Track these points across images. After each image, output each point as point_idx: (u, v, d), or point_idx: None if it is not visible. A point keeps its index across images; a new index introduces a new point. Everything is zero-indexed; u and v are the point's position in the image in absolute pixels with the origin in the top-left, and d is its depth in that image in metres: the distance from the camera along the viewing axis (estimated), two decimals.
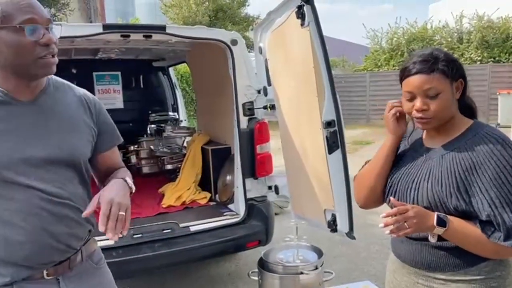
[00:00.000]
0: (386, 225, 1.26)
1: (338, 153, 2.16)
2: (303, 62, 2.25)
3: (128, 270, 2.70)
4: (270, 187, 3.28)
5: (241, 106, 3.16)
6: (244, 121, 3.19)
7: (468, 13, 15.81)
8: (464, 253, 1.30)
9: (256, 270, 1.99)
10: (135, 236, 2.87)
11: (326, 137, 2.16)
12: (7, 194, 1.19)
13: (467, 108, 1.41)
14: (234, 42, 3.12)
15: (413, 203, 1.34)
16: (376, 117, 15.78)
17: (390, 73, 15.38)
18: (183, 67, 10.55)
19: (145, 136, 5.27)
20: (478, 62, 14.95)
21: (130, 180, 1.35)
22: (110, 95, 5.35)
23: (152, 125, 5.33)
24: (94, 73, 5.19)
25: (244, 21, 17.25)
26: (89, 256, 1.40)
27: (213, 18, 16.37)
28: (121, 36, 2.99)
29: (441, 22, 16.52)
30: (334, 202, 2.22)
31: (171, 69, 5.89)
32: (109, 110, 1.52)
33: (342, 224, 2.22)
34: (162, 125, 5.24)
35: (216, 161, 3.89)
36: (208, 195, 3.92)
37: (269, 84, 3.00)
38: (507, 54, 14.95)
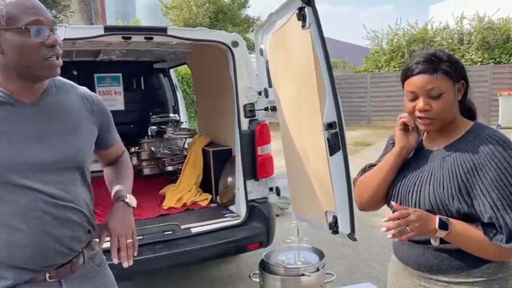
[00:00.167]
0: (388, 229, 1.26)
1: (339, 154, 2.16)
2: (304, 64, 2.25)
3: (129, 272, 2.68)
4: (271, 189, 3.27)
5: (242, 107, 3.16)
6: (245, 123, 3.19)
7: (469, 14, 15.82)
8: (467, 255, 1.30)
9: (258, 271, 1.99)
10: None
11: (327, 138, 2.16)
12: (10, 197, 1.19)
13: (467, 110, 1.41)
14: (235, 44, 3.12)
15: (415, 206, 1.34)
16: (376, 118, 15.79)
17: (390, 74, 15.39)
18: (184, 69, 10.56)
19: (146, 137, 5.28)
20: (479, 63, 14.96)
21: (130, 197, 1.46)
22: (111, 96, 5.36)
23: (153, 127, 5.34)
24: (95, 75, 5.20)
25: (244, 23, 17.27)
26: (90, 258, 1.40)
27: (214, 19, 16.39)
28: (122, 38, 2.99)
29: (441, 23, 16.53)
30: (336, 203, 2.22)
31: (172, 71, 5.90)
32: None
33: (344, 226, 2.22)
34: (163, 126, 5.24)
35: (217, 162, 3.89)
36: (209, 196, 3.92)
37: (270, 85, 3.00)
38: (507, 55, 14.96)
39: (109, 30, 2.82)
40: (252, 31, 15.93)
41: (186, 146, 4.96)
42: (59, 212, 1.25)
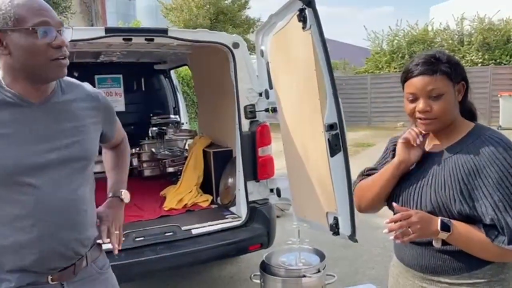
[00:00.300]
0: (390, 231, 1.27)
1: (340, 156, 2.16)
2: (305, 65, 2.25)
3: (130, 273, 2.70)
4: (271, 190, 3.27)
5: (243, 108, 3.16)
6: (245, 124, 3.19)
7: (469, 15, 15.82)
8: (468, 256, 1.30)
9: (258, 273, 1.99)
10: (137, 239, 2.86)
11: (328, 140, 2.16)
12: (18, 198, 1.19)
13: (468, 111, 1.41)
14: (236, 45, 3.13)
15: (417, 208, 1.34)
16: (377, 119, 15.79)
17: (391, 75, 15.39)
18: (184, 70, 10.57)
19: (146, 139, 5.28)
20: (479, 64, 14.96)
21: (125, 193, 1.56)
22: (112, 98, 5.36)
23: (154, 128, 5.34)
24: (96, 76, 5.21)
25: (244, 24, 17.27)
26: (93, 261, 1.40)
27: (214, 21, 16.40)
28: (123, 39, 2.99)
29: (442, 24, 16.53)
30: (336, 205, 2.22)
31: (172, 72, 5.91)
32: None
33: (345, 227, 2.22)
34: (164, 128, 5.24)
35: (217, 163, 3.89)
36: (210, 198, 3.92)
37: (271, 87, 3.01)
38: (508, 56, 14.96)
39: (110, 31, 2.82)
40: (252, 32, 15.93)
41: (186, 147, 4.96)
42: (67, 213, 1.26)
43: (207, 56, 3.85)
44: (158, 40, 3.10)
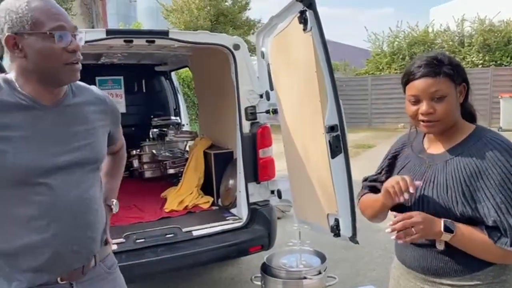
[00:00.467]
0: (393, 230, 1.26)
1: (341, 157, 2.16)
2: (306, 67, 2.26)
3: (131, 275, 2.67)
4: (272, 192, 3.27)
5: (244, 110, 3.16)
6: (246, 126, 3.19)
7: (470, 16, 15.83)
8: (470, 258, 1.30)
9: (259, 275, 1.98)
10: (138, 241, 2.87)
11: (329, 141, 2.16)
12: (33, 199, 1.20)
13: (468, 113, 1.41)
14: (237, 47, 3.13)
15: (418, 210, 1.34)
16: (378, 121, 15.80)
17: (391, 77, 15.40)
18: (185, 71, 10.58)
19: (147, 140, 5.29)
20: (480, 66, 14.97)
21: (116, 203, 1.58)
22: (113, 99, 5.35)
23: (155, 130, 5.34)
24: (97, 78, 5.21)
25: (245, 25, 17.29)
26: (102, 260, 1.42)
27: (215, 22, 16.42)
28: (124, 41, 3.00)
29: (442, 26, 16.54)
30: (337, 206, 2.22)
31: (173, 74, 5.91)
32: None
33: (345, 229, 2.22)
34: (164, 129, 5.25)
35: (218, 165, 3.89)
36: (211, 199, 3.92)
37: (272, 88, 3.01)
38: (508, 58, 14.97)
39: (111, 33, 2.83)
40: (253, 33, 15.94)
41: (187, 148, 4.97)
42: (81, 213, 1.28)
43: (207, 58, 3.85)
44: (159, 42, 3.11)
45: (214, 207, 3.81)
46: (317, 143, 2.28)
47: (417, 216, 1.26)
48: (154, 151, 5.05)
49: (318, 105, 2.19)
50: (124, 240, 2.86)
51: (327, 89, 2.14)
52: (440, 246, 1.31)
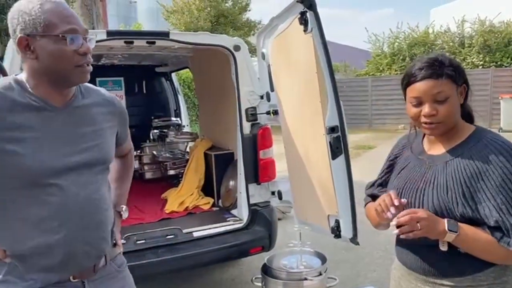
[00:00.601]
0: (398, 224, 1.26)
1: (341, 158, 2.16)
2: (306, 68, 2.26)
3: (132, 276, 2.70)
4: (273, 193, 3.28)
5: (244, 111, 3.17)
6: (247, 127, 3.19)
7: (470, 17, 15.83)
8: (471, 259, 1.30)
9: (260, 276, 1.98)
10: (138, 242, 2.87)
11: (330, 142, 2.16)
12: (45, 199, 1.22)
13: (467, 114, 1.41)
14: (237, 48, 3.13)
15: None
16: (378, 122, 15.79)
17: (392, 78, 15.40)
18: (185, 72, 10.58)
19: (148, 141, 5.29)
20: (480, 67, 14.96)
21: (125, 209, 1.57)
22: None
23: (155, 131, 5.35)
24: (97, 79, 5.22)
25: (245, 26, 17.29)
26: (112, 259, 1.44)
27: (215, 23, 16.42)
28: (125, 42, 3.01)
29: (442, 27, 16.54)
30: (338, 207, 2.22)
31: (173, 75, 5.91)
32: None
33: (346, 230, 2.22)
34: (165, 130, 5.25)
35: (219, 166, 3.89)
36: (211, 200, 3.92)
37: (272, 89, 3.01)
38: (509, 59, 14.96)
39: (112, 34, 2.83)
40: (253, 34, 15.94)
41: (188, 150, 4.97)
42: (91, 213, 1.30)
43: (208, 59, 3.86)
44: (159, 43, 3.11)
45: (214, 208, 3.81)
46: (317, 144, 2.28)
47: (422, 212, 1.26)
48: (154, 152, 5.05)
49: (318, 106, 2.19)
50: (124, 241, 2.86)
51: (328, 90, 2.14)
52: (443, 247, 1.31)
